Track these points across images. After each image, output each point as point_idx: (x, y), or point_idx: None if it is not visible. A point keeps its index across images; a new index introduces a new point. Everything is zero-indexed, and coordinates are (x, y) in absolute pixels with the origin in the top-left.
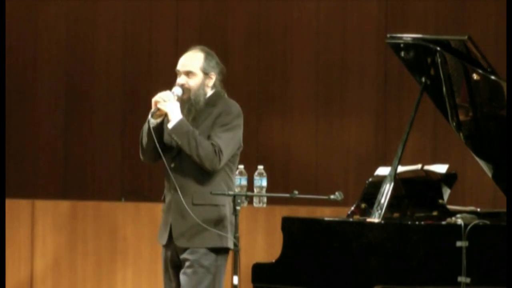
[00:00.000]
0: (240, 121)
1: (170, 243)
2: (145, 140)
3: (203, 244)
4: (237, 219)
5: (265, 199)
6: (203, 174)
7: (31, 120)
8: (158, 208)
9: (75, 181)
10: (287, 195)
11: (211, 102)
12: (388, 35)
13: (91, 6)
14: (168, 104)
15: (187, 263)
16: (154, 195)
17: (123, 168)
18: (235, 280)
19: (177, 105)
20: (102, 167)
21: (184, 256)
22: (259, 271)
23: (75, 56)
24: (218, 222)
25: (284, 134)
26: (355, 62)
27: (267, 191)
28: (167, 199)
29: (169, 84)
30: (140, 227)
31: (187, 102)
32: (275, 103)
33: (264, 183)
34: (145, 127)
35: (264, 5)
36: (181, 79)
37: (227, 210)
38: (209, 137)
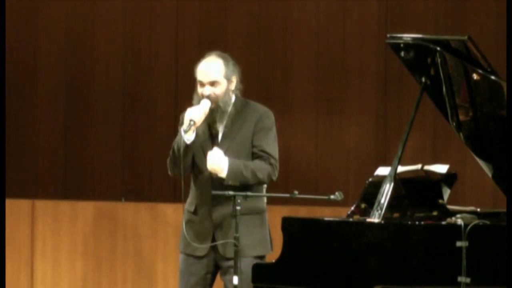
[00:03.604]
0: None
1: (209, 253)
2: (179, 155)
3: (250, 253)
4: (237, 219)
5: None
6: (245, 184)
7: (31, 120)
8: (158, 208)
9: (75, 181)
10: (287, 195)
11: (239, 108)
12: (388, 35)
13: (91, 6)
14: (212, 162)
15: (230, 270)
16: (154, 195)
17: (123, 168)
18: (235, 280)
19: (218, 156)
20: (102, 167)
21: (227, 263)
22: (259, 271)
23: (75, 56)
24: (262, 229)
25: (284, 134)
26: (355, 62)
27: (267, 191)
28: (201, 210)
29: (169, 84)
30: (140, 227)
31: (216, 111)
32: (275, 103)
33: None
34: (176, 143)
35: (264, 5)
36: (206, 90)
37: (267, 216)
38: (254, 146)
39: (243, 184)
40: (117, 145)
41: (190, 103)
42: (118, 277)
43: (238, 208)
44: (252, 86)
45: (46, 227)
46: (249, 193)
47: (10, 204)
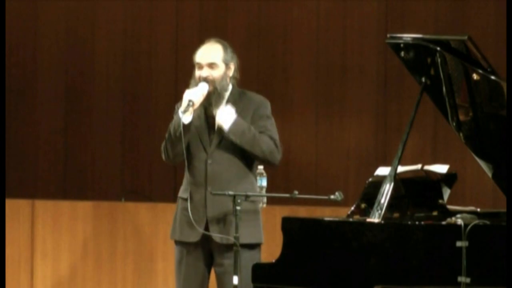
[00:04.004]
0: None
1: (202, 240)
2: (175, 138)
3: (244, 240)
4: (237, 219)
5: (265, 199)
6: (240, 170)
7: (31, 120)
8: (158, 208)
9: (75, 181)
10: (287, 195)
11: (236, 97)
12: (388, 35)
13: (91, 6)
14: (221, 115)
15: (226, 260)
16: (154, 195)
17: (123, 168)
18: (235, 280)
19: (225, 108)
20: (102, 167)
21: (222, 253)
22: (259, 271)
23: (75, 56)
24: (254, 217)
25: (284, 134)
26: (355, 62)
27: (267, 191)
28: (196, 196)
29: (169, 84)
30: (140, 227)
31: (213, 94)
32: (275, 103)
33: (264, 183)
34: (173, 125)
35: (264, 5)
36: (204, 72)
37: (259, 206)
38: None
39: (247, 152)
40: (117, 145)
41: None
42: (118, 277)
43: (238, 208)
44: (252, 86)
45: (46, 227)
46: (249, 193)
47: (10, 204)
